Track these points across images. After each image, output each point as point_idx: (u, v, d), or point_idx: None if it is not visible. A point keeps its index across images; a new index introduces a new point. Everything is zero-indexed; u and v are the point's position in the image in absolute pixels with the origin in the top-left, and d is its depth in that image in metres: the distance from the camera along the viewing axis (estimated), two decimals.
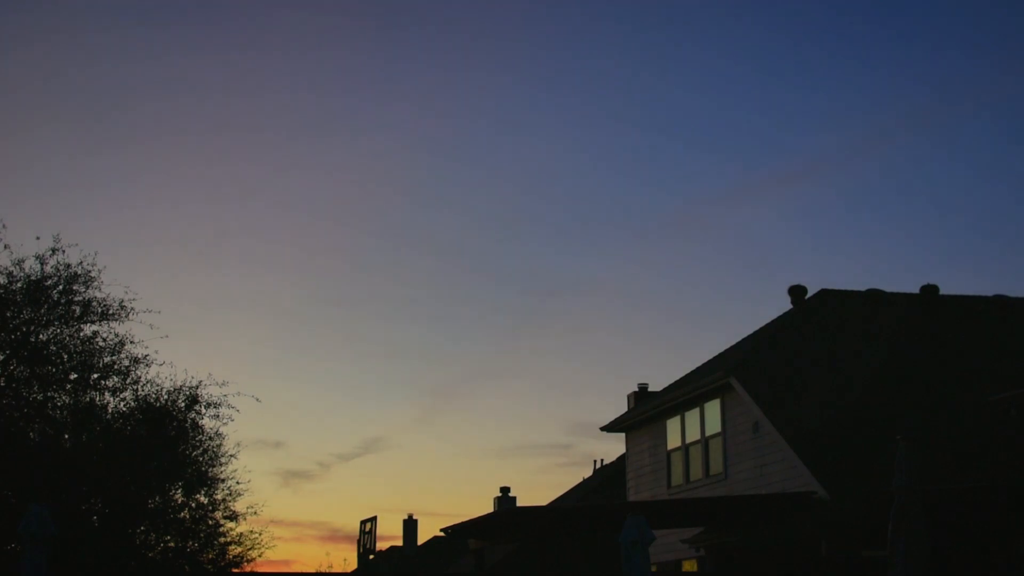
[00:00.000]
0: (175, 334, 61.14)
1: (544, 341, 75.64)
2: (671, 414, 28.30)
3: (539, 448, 77.98)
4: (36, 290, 22.46)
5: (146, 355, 24.07)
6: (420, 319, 76.59)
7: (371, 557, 53.30)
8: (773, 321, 29.49)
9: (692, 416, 27.29)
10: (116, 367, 23.56)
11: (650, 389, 32.68)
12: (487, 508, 45.07)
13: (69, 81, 59.78)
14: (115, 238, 62.21)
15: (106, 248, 54.66)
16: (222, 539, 26.48)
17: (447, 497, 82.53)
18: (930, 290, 30.09)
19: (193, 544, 25.73)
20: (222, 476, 26.37)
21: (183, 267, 68.53)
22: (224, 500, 26.39)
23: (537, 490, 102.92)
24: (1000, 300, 30.23)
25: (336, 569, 56.35)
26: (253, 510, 26.65)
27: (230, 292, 72.88)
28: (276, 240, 71.61)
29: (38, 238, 23.30)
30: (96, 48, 60.21)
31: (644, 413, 29.53)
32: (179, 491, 25.22)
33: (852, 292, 29.75)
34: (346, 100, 67.59)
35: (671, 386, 29.94)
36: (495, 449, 79.04)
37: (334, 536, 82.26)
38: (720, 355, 29.62)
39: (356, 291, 75.51)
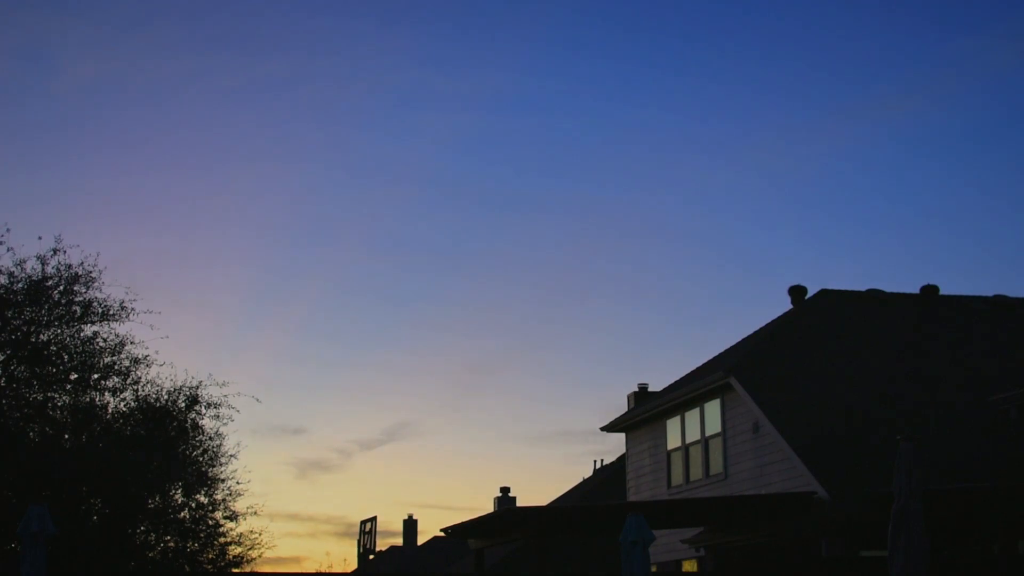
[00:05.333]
0: (176, 332, 61.18)
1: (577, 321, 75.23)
2: (671, 414, 28.30)
3: (573, 436, 77.85)
4: (37, 290, 22.50)
5: (146, 355, 24.14)
6: (446, 302, 76.21)
7: (371, 557, 53.40)
8: (773, 321, 29.49)
9: (692, 416, 27.28)
10: (116, 367, 23.61)
11: (650, 389, 32.68)
12: (523, 502, 44.85)
13: (69, 82, 59.82)
14: (115, 238, 62.28)
15: (107, 249, 54.76)
16: (222, 539, 26.51)
17: (468, 490, 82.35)
18: (930, 290, 30.09)
19: (193, 544, 25.75)
20: (222, 476, 26.42)
21: (184, 258, 68.46)
22: (224, 500, 26.43)
23: (537, 490, 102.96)
24: (1000, 300, 30.23)
25: (336, 569, 56.47)
26: (253, 510, 26.71)
27: (237, 280, 72.54)
28: (287, 224, 71.27)
29: (40, 238, 23.43)
30: (96, 48, 60.24)
31: (644, 413, 29.52)
32: (179, 491, 25.24)
33: (852, 292, 29.74)
34: (348, 90, 67.64)
35: (671, 386, 29.93)
36: (526, 437, 78.70)
37: (349, 531, 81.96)
38: (720, 355, 29.61)
39: (371, 277, 75.08)
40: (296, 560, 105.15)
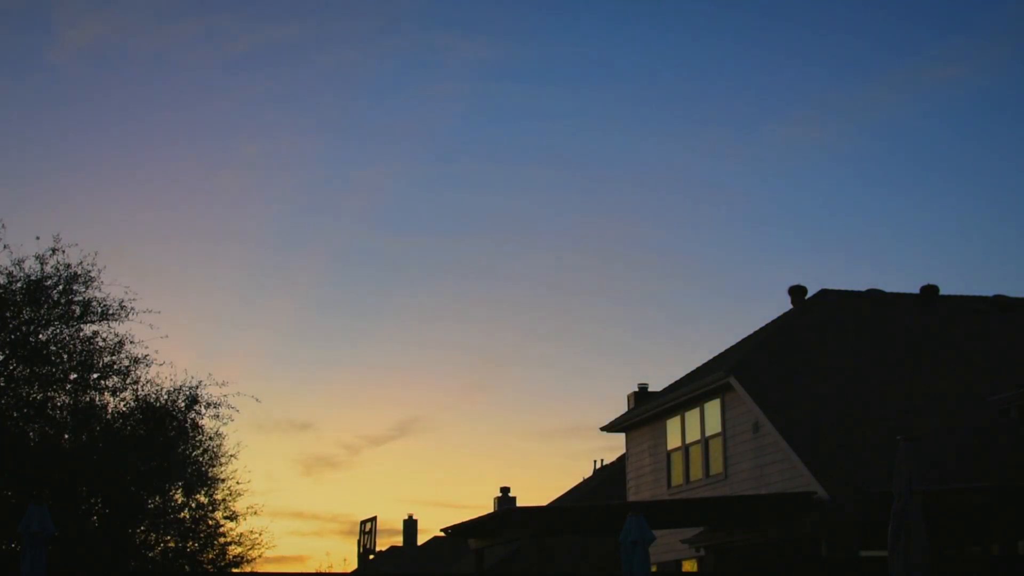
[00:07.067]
0: (177, 325, 61.03)
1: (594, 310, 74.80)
2: (671, 414, 28.30)
3: (573, 435, 77.63)
4: (36, 290, 22.50)
5: (146, 355, 24.12)
6: (452, 299, 76.00)
7: (371, 557, 53.45)
8: (773, 321, 29.50)
9: (692, 416, 27.29)
10: (116, 367, 23.60)
11: (650, 389, 32.69)
12: (523, 502, 44.77)
13: (68, 81, 59.83)
14: (115, 238, 62.20)
15: (104, 242, 54.64)
16: (222, 539, 26.55)
17: (471, 488, 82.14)
18: (930, 290, 30.10)
19: (193, 544, 25.78)
20: (222, 476, 26.46)
21: (184, 248, 68.19)
22: (224, 500, 26.48)
23: (537, 490, 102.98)
24: (1000, 300, 30.24)
25: (336, 569, 56.52)
26: (253, 510, 26.77)
27: (242, 271, 72.10)
28: (291, 212, 70.80)
29: (38, 238, 23.44)
30: (95, 47, 60.25)
31: (644, 413, 29.53)
32: (179, 491, 25.26)
33: (852, 292, 29.75)
34: (351, 62, 67.61)
35: (671, 386, 29.94)
36: (526, 437, 78.50)
37: (354, 530, 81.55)
38: (720, 355, 29.62)
39: (385, 265, 74.74)
40: (299, 559, 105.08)
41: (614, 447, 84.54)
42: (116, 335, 23.49)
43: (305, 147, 67.31)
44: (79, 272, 22.98)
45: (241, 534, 27.04)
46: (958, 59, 64.12)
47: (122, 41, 59.50)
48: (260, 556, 27.21)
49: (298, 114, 67.27)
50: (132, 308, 23.42)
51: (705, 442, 26.63)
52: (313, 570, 55.80)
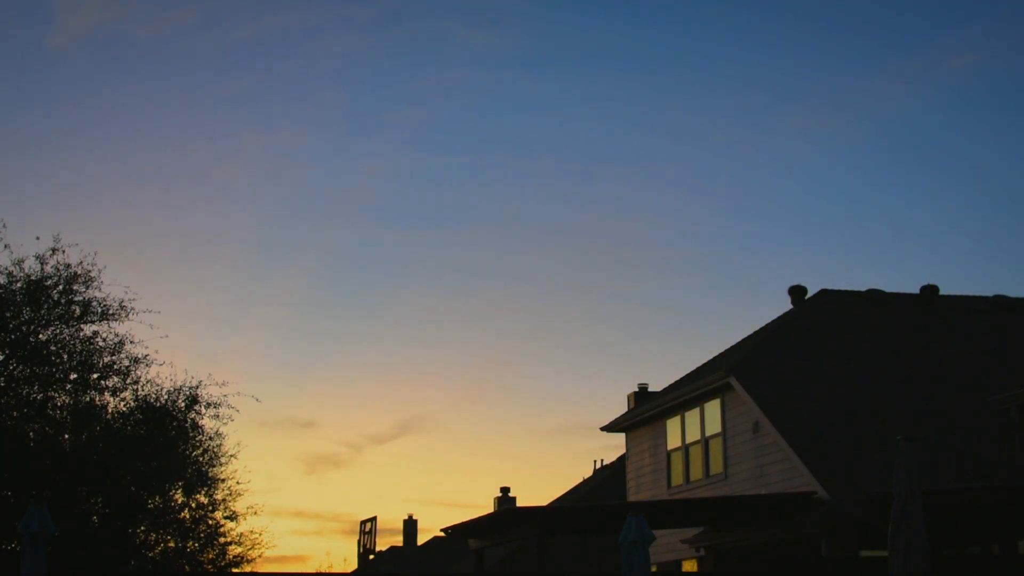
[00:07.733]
0: (177, 331, 60.92)
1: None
2: (671, 414, 28.30)
3: (573, 435, 77.61)
4: (36, 290, 22.50)
5: (146, 355, 24.10)
6: (461, 292, 75.92)
7: (371, 557, 53.47)
8: (773, 321, 29.49)
9: (692, 416, 27.29)
10: (116, 367, 23.58)
11: (650, 389, 32.70)
12: (523, 502, 44.79)
13: (69, 81, 59.81)
14: (115, 238, 62.16)
15: (106, 248, 54.63)
16: (222, 539, 26.57)
17: (472, 487, 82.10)
18: (930, 290, 30.10)
19: (193, 544, 25.79)
20: (222, 476, 26.47)
21: (187, 253, 68.09)
22: (224, 500, 26.49)
23: (537, 490, 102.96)
24: (1000, 300, 30.24)
25: (336, 569, 56.56)
26: (253, 510, 26.78)
27: (244, 268, 71.86)
28: (293, 208, 70.61)
29: (38, 238, 23.43)
30: (96, 47, 60.22)
31: (644, 413, 29.53)
32: (179, 491, 25.26)
33: (852, 292, 29.75)
34: (343, 95, 67.56)
35: (671, 386, 29.94)
36: (527, 437, 78.41)
37: (355, 530, 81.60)
38: (720, 355, 29.62)
39: (390, 261, 74.53)
40: (300, 559, 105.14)
41: (614, 447, 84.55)
42: (116, 335, 23.50)
43: (305, 142, 67.32)
44: (79, 272, 22.98)
45: (241, 534, 27.08)
46: (959, 57, 64.15)
47: (122, 29, 59.48)
48: (260, 556, 27.25)
49: (299, 108, 67.33)
50: (132, 308, 23.43)
51: (705, 442, 26.63)
52: (313, 570, 55.89)
